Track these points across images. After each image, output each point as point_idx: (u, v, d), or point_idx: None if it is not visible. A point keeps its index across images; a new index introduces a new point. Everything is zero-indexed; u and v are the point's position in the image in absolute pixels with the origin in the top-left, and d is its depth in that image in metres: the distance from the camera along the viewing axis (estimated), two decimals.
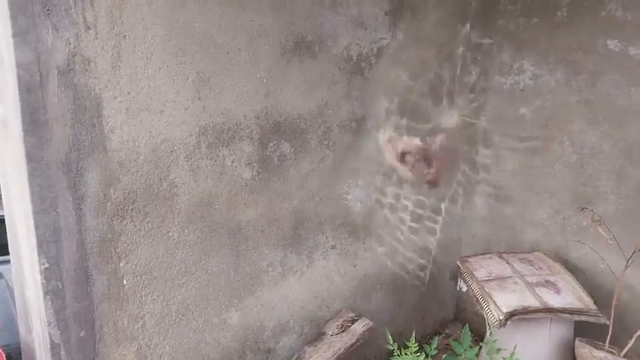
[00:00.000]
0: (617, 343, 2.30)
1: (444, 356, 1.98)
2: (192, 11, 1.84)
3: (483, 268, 2.58)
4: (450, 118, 2.85)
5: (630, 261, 2.30)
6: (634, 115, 2.43)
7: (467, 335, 1.96)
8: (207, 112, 1.94)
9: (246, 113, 2.04)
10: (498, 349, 1.86)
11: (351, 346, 2.36)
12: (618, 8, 2.45)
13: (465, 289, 2.59)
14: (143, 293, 1.92)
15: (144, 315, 1.93)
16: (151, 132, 1.81)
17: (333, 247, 2.52)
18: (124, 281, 1.86)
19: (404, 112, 2.62)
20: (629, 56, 2.43)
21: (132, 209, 1.82)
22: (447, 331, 3.15)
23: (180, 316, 2.03)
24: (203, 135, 1.94)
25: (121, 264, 1.83)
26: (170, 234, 1.93)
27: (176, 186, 1.91)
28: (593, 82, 2.55)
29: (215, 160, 1.99)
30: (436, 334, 3.12)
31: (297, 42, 2.15)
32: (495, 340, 1.91)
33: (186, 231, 1.97)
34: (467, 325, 2.29)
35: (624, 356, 2.21)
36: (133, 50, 1.73)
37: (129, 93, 1.74)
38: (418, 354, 1.93)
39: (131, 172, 1.80)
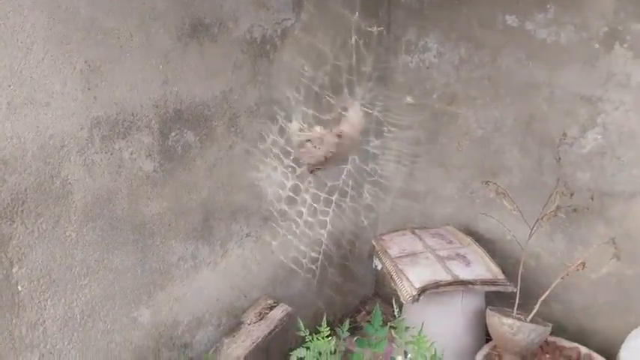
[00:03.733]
0: (526, 308, 2.40)
1: (355, 339, 1.99)
2: None
3: (397, 245, 2.61)
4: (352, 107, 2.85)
5: (534, 229, 2.39)
6: (533, 89, 2.51)
7: (377, 315, 1.98)
8: (99, 103, 1.83)
9: (142, 102, 1.94)
10: (407, 327, 1.89)
11: (270, 333, 2.33)
12: None
13: (380, 267, 2.61)
14: (42, 298, 1.81)
15: (44, 321, 1.82)
16: (37, 127, 1.69)
17: (248, 235, 2.47)
18: (19, 287, 1.74)
19: (309, 100, 2.58)
20: (525, 31, 2.49)
21: (22, 211, 1.70)
22: (367, 308, 3.19)
23: (85, 318, 1.93)
24: (96, 127, 1.83)
25: (14, 269, 1.72)
26: (67, 234, 1.82)
27: (70, 183, 1.79)
28: (494, 58, 2.61)
29: (111, 154, 1.89)
30: (357, 313, 3.15)
31: (195, 24, 2.06)
32: (403, 319, 1.94)
33: (84, 230, 1.86)
34: (377, 305, 2.31)
35: (531, 321, 2.30)
36: (10, 39, 1.60)
37: (9, 86, 1.61)
38: (330, 338, 1.93)
39: (18, 171, 1.67)
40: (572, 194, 2.28)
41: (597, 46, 2.33)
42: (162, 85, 2.00)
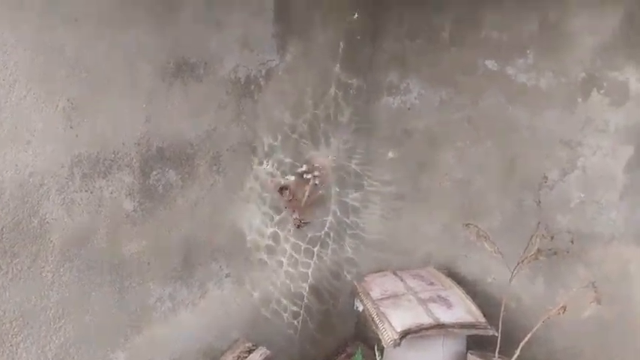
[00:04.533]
0: (507, 352, 2.38)
1: None
2: (62, 34, 1.72)
3: (378, 286, 2.59)
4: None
5: (515, 272, 2.39)
6: (514, 132, 2.54)
7: (359, 358, 1.94)
8: (81, 141, 1.81)
9: (124, 140, 1.93)
10: None
11: None
12: (494, 30, 2.56)
13: (361, 308, 2.58)
14: (14, 341, 1.75)
15: None
16: (17, 165, 1.66)
17: (227, 276, 2.43)
18: None
19: (287, 146, 2.58)
20: (506, 75, 2.54)
21: None
22: (348, 350, 3.14)
23: None
24: (77, 166, 1.80)
25: None
26: (43, 274, 1.78)
27: (48, 222, 1.76)
28: (475, 100, 2.65)
29: (91, 192, 1.86)
30: (338, 355, 3.10)
31: (180, 64, 2.07)
32: None
33: (61, 270, 1.82)
34: (359, 348, 2.28)
35: None
36: None
37: None
38: None
39: None
40: (552, 237, 2.29)
41: (576, 91, 2.38)
42: (145, 123, 1.99)
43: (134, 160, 1.97)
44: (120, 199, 1.94)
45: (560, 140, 2.43)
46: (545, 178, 2.39)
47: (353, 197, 3.01)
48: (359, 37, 2.82)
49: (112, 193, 1.92)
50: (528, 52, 2.48)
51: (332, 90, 2.73)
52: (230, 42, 2.22)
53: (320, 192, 2.76)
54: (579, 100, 2.38)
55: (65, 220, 1.80)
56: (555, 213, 2.45)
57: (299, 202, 2.64)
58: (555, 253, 2.32)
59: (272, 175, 2.53)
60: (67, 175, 1.79)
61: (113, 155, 1.91)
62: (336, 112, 2.80)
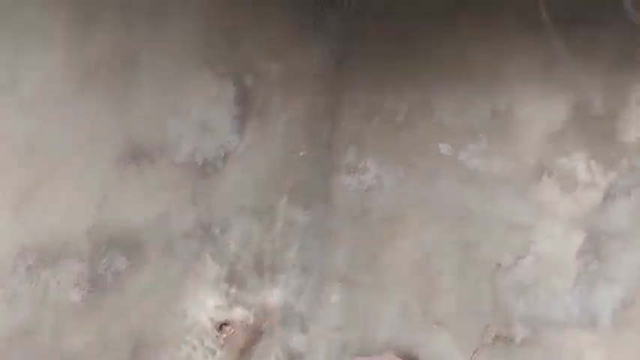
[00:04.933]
0: None
1: None
2: (12, 119, 1.69)
3: None
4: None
5: (474, 356, 2.37)
6: (468, 215, 2.57)
7: None
8: (27, 230, 1.76)
9: (74, 228, 1.88)
10: None
11: None
12: (448, 115, 2.63)
13: None
14: None
15: None
16: None
17: None
18: None
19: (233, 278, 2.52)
20: (459, 160, 2.59)
21: None
22: None
23: None
24: (21, 257, 1.74)
25: None
26: None
27: None
28: (430, 183, 2.68)
29: (36, 284, 1.79)
30: None
31: (136, 148, 2.05)
32: None
33: None
34: None
35: None
36: None
37: None
38: None
39: None
40: (508, 324, 2.29)
41: (527, 177, 2.44)
42: (97, 210, 1.95)
43: (84, 249, 1.92)
44: (67, 289, 1.87)
45: (513, 225, 2.47)
46: (499, 263, 2.42)
47: (298, 340, 2.92)
48: (319, 118, 2.86)
49: (58, 283, 1.85)
50: (480, 137, 2.55)
51: (291, 173, 2.74)
52: (188, 125, 2.23)
53: (261, 332, 2.66)
54: (531, 185, 2.43)
55: (6, 314, 1.72)
56: (510, 298, 2.46)
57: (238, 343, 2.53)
58: (511, 340, 2.32)
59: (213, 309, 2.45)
60: (11, 267, 1.73)
61: (62, 244, 1.86)
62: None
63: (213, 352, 2.45)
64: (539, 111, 2.42)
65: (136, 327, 2.11)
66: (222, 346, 2.50)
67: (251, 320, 2.59)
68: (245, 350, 2.59)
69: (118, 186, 2.00)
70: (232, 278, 2.49)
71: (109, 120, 1.94)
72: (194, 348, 2.37)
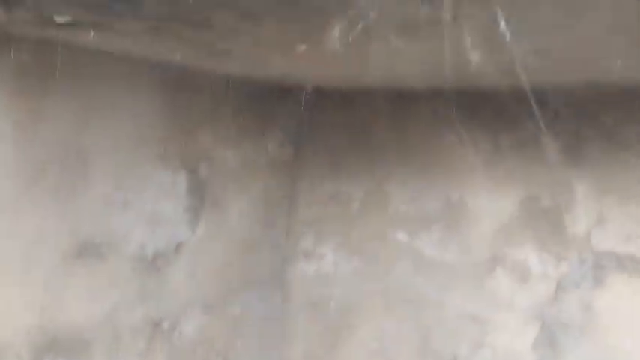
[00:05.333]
0: None
1: None
2: None
3: None
4: None
5: None
6: (424, 305, 2.57)
7: None
8: None
9: (14, 330, 1.81)
10: None
11: None
12: (402, 204, 2.66)
13: None
14: None
15: None
16: None
17: None
18: None
19: None
20: (414, 248, 2.61)
21: None
22: None
23: None
24: None
25: None
26: None
27: None
28: (387, 271, 2.68)
29: None
30: None
31: (83, 245, 2.01)
32: None
33: None
34: None
35: None
36: None
37: None
38: None
39: None
40: None
41: (481, 268, 2.46)
42: (40, 310, 1.88)
43: (23, 351, 1.84)
44: None
45: (468, 316, 2.47)
46: (455, 357, 2.40)
47: None
48: (275, 205, 2.86)
49: None
50: (434, 227, 2.57)
51: (246, 262, 2.71)
52: (138, 219, 2.20)
53: None
54: (485, 277, 2.45)
55: None
56: None
57: None
58: None
59: None
60: None
61: (1, 347, 1.77)
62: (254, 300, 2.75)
63: None
64: (490, 203, 2.47)
65: None
66: None
67: None
68: None
69: (64, 285, 1.94)
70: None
71: (56, 219, 1.91)
72: None
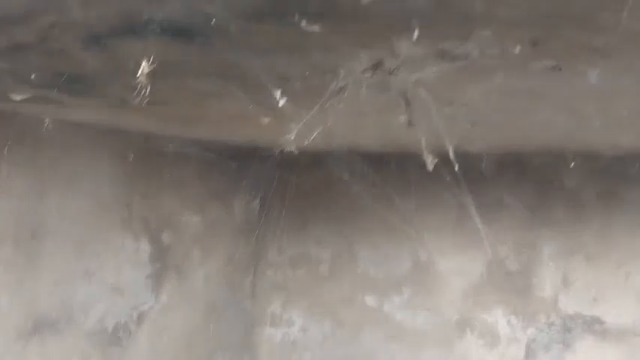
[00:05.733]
0: None
1: None
2: None
3: None
4: None
5: None
6: None
7: None
8: None
9: None
10: None
11: None
12: (371, 266, 2.64)
13: None
14: None
15: None
16: None
17: None
18: None
19: None
20: (384, 312, 2.57)
21: None
22: None
23: None
24: None
25: None
26: None
27: None
28: (355, 337, 2.63)
29: None
30: None
31: (39, 320, 1.92)
32: None
33: None
34: None
35: None
36: None
37: None
38: None
39: None
40: None
41: (451, 332, 2.43)
42: None
43: None
44: None
45: None
46: None
47: None
48: (241, 269, 2.80)
49: None
50: (404, 289, 2.55)
51: (212, 329, 2.63)
52: (99, 290, 2.12)
53: None
54: (455, 340, 2.42)
55: None
56: None
57: None
58: None
59: None
60: None
61: None
62: None
63: None
64: (458, 265, 2.46)
65: None
66: None
67: None
68: None
69: None
70: None
71: (10, 294, 1.83)
72: None
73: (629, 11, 0.54)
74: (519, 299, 2.35)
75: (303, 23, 0.60)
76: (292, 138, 1.16)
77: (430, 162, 1.72)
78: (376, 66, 0.73)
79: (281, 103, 1.08)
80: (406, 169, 2.61)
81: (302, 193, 2.87)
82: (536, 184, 2.36)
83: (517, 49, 0.69)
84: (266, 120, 1.63)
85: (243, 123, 1.81)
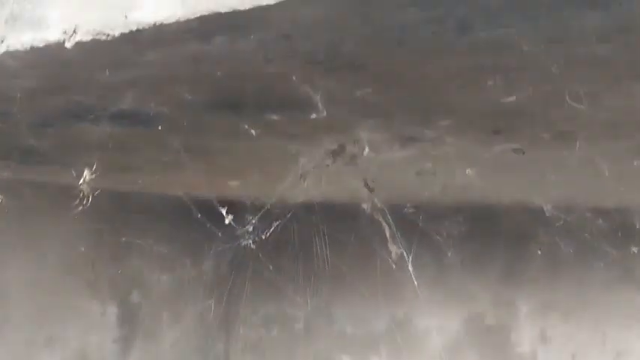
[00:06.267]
0: None
1: None
2: None
3: None
4: None
5: None
6: None
7: None
8: None
9: None
10: None
11: None
12: (348, 324, 2.57)
13: None
14: None
15: None
16: None
17: None
18: None
19: None
20: None
21: None
22: None
23: None
24: None
25: None
26: None
27: None
28: None
29: None
30: None
31: None
32: None
33: None
34: None
35: None
36: None
37: None
38: None
39: None
40: None
41: None
42: None
43: None
44: None
45: None
46: None
47: None
48: (213, 330, 2.71)
49: None
50: (381, 348, 2.49)
51: None
52: (62, 356, 2.02)
53: None
54: None
55: None
56: None
57: None
58: None
59: None
60: None
61: None
62: None
63: None
64: (436, 321, 2.41)
65: None
66: None
67: None
68: None
69: None
70: None
71: None
72: None
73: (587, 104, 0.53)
74: (498, 356, 2.31)
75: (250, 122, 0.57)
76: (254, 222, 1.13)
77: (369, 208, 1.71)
78: (338, 152, 0.71)
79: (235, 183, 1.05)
80: (379, 224, 2.59)
81: (276, 250, 2.82)
82: (511, 239, 2.34)
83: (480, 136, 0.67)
84: (234, 183, 1.59)
85: (210, 185, 1.77)
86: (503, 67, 0.54)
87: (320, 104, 0.52)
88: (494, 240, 2.34)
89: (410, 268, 2.50)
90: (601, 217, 2.08)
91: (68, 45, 0.57)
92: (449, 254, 2.43)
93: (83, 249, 2.15)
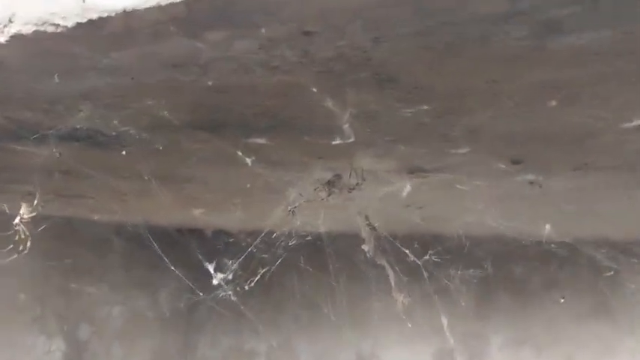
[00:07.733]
0: None
1: None
2: None
3: None
4: None
5: None
6: None
7: None
8: None
9: None
10: None
11: None
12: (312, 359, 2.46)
13: None
14: None
15: None
16: None
17: None
18: None
19: None
20: None
21: None
22: None
23: None
24: None
25: None
26: None
27: None
28: None
29: None
30: None
31: None
32: None
33: None
34: None
35: None
36: None
37: None
38: None
39: None
40: None
41: None
42: None
43: None
44: None
45: None
46: None
47: None
48: None
49: None
50: None
51: None
52: None
53: None
54: None
55: None
56: None
57: None
58: None
59: None
60: None
61: None
62: None
63: None
64: (404, 356, 2.33)
65: None
66: None
67: None
68: None
69: None
70: None
71: None
72: None
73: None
74: None
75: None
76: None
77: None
78: (332, 183, 0.61)
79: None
80: (346, 257, 2.50)
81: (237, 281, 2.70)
82: (482, 272, 2.28)
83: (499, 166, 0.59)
84: (197, 211, 1.49)
85: (172, 212, 1.65)
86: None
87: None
88: (463, 271, 2.28)
89: (375, 300, 2.42)
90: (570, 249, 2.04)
91: (1, 39, 0.42)
92: (416, 286, 2.37)
93: (30, 284, 1.99)
